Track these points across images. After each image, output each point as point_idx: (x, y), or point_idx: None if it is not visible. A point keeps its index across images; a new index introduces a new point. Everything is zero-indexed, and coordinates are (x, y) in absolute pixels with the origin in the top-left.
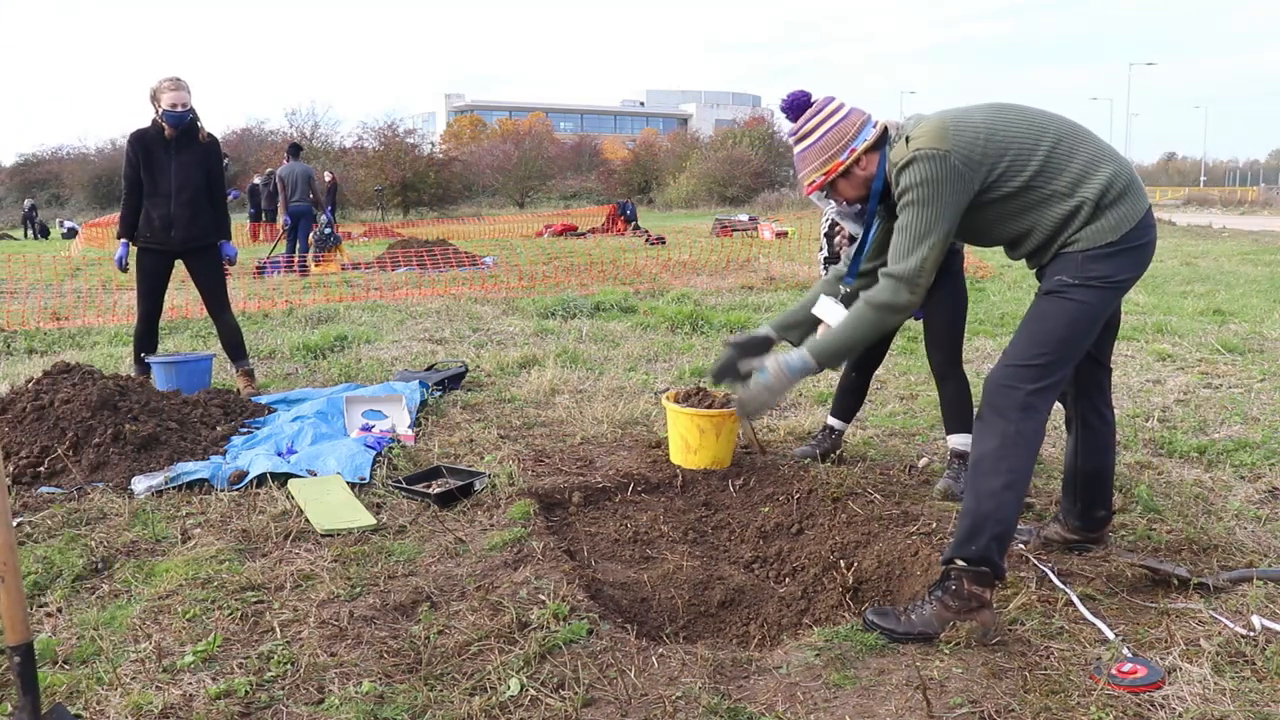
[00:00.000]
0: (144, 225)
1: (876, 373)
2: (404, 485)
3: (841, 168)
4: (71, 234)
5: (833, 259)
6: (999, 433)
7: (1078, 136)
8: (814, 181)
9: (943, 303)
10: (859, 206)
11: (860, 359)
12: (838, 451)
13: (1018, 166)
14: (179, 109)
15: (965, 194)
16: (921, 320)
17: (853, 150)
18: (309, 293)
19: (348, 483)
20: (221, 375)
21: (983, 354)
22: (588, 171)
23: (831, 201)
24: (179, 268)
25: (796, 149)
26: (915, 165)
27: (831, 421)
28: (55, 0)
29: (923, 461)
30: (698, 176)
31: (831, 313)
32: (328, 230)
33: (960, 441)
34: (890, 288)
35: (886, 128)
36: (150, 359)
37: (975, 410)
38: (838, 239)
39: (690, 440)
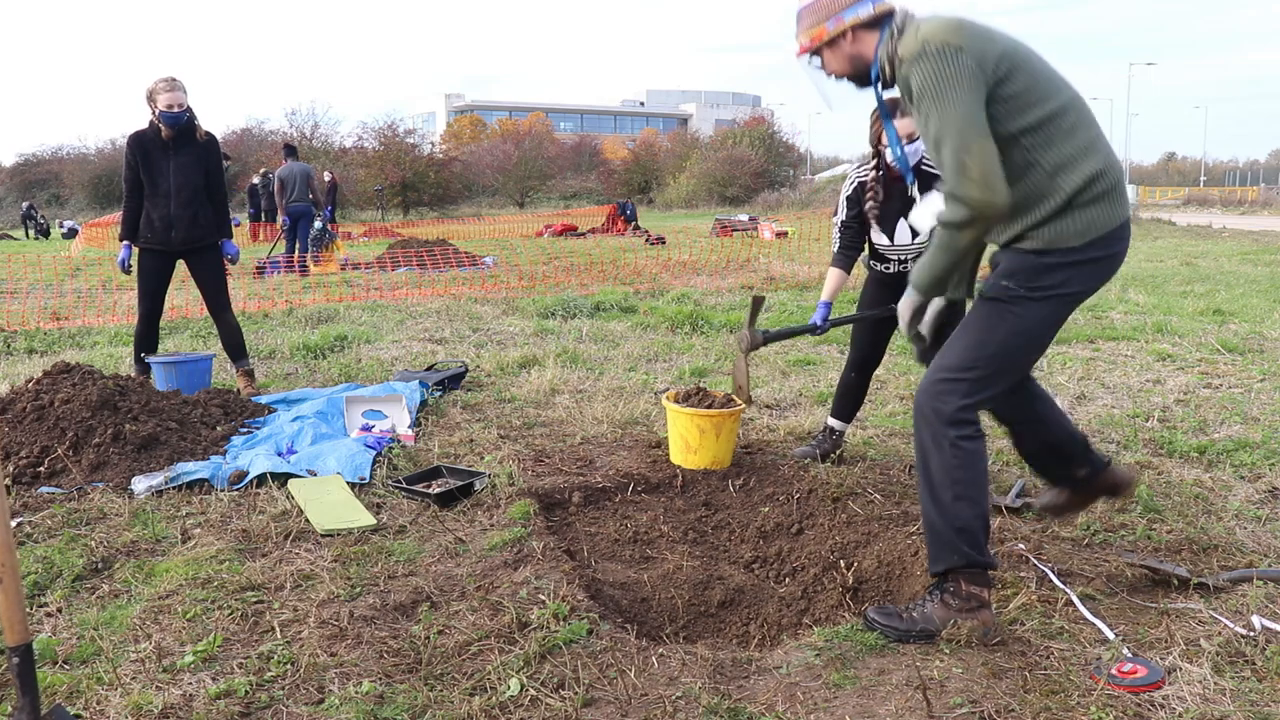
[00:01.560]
0: (145, 226)
1: (876, 373)
2: (404, 485)
3: (826, 36)
4: (72, 234)
5: (854, 222)
6: (935, 448)
7: (1084, 118)
8: (801, 44)
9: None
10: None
11: (859, 359)
12: (838, 452)
13: (1027, 101)
14: (175, 109)
15: (980, 94)
16: None
17: (840, 20)
18: (309, 293)
19: (348, 483)
20: (221, 375)
21: None
22: (588, 171)
23: (863, 166)
24: (180, 268)
25: (796, 7)
26: (922, 62)
27: (832, 422)
28: (55, 0)
29: None
30: (698, 176)
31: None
32: (318, 225)
33: None
34: (948, 205)
35: (893, 10)
36: (150, 359)
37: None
38: (869, 205)
39: (690, 440)
